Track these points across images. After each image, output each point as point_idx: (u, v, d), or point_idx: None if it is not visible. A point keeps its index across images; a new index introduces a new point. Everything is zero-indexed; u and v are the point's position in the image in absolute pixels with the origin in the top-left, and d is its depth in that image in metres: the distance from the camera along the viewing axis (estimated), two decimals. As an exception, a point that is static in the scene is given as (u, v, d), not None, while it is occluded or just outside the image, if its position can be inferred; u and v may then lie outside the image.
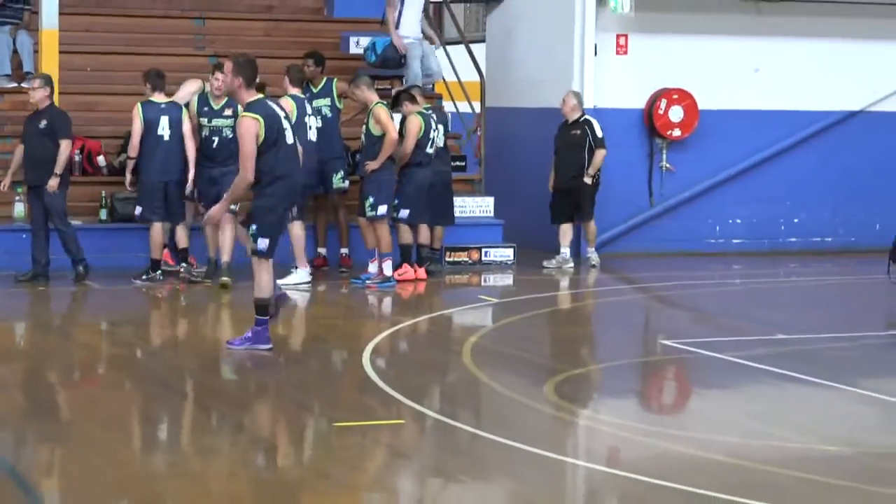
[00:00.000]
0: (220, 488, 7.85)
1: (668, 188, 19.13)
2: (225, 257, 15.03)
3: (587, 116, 17.47)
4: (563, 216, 17.47)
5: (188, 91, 15.70)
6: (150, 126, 15.29)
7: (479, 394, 10.62)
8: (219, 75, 15.10)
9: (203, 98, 15.46)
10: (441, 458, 8.62)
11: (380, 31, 19.38)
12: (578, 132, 17.28)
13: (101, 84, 17.89)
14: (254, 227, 11.47)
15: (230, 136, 14.82)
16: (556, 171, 17.49)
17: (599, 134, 17.24)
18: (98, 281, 15.31)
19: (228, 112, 15.20)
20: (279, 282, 14.91)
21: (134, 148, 15.41)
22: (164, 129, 15.30)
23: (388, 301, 14.97)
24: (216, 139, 15.34)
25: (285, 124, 11.41)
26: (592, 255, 17.61)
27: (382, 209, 15.50)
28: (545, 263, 17.31)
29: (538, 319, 13.96)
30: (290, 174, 11.45)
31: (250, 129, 11.21)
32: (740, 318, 14.57)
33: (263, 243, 11.43)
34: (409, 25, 18.08)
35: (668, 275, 17.10)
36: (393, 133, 15.51)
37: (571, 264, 17.35)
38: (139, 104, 15.38)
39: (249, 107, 11.32)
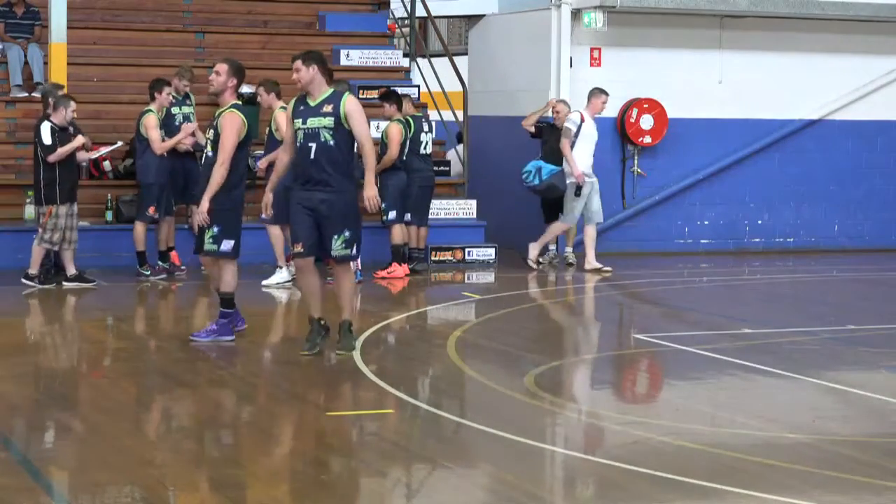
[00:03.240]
0: (219, 475, 7.79)
1: (639, 192, 19.13)
2: (346, 314, 11.20)
3: None
4: (554, 216, 17.53)
5: (151, 124, 15.70)
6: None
7: (463, 384, 10.58)
8: (187, 82, 15.96)
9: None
10: (427, 445, 8.57)
11: (365, 44, 19.39)
12: None
13: (107, 94, 17.84)
14: (216, 228, 11.35)
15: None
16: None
17: None
18: (104, 278, 15.24)
19: None
20: (263, 282, 14.94)
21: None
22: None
23: (377, 297, 14.92)
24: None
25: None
26: (570, 254, 17.62)
27: None
28: (540, 259, 17.47)
29: (519, 314, 13.91)
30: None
31: (235, 122, 11.23)
32: (708, 314, 14.55)
33: (228, 245, 11.37)
34: (583, 159, 16.92)
35: (640, 273, 17.09)
36: None
37: (558, 259, 17.65)
38: None
39: (235, 107, 11.37)
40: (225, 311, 11.55)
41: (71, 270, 14.74)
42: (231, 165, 11.27)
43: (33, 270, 14.68)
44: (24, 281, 14.66)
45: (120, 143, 15.74)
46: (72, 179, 14.79)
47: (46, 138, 14.54)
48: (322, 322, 11.08)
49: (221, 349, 11.40)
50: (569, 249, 17.66)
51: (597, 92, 17.18)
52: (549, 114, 17.69)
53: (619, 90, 18.79)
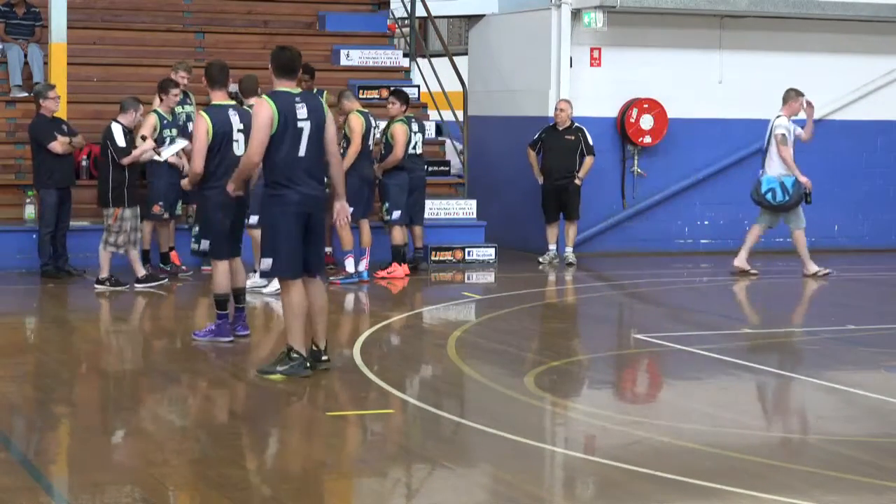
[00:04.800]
0: (219, 474, 7.78)
1: (639, 192, 19.12)
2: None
3: (577, 124, 17.55)
4: (555, 216, 17.50)
5: (149, 124, 15.56)
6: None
7: (463, 385, 10.58)
8: (183, 73, 15.96)
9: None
10: (427, 445, 8.57)
11: (365, 44, 19.41)
12: (573, 138, 17.41)
13: (107, 94, 17.83)
14: (196, 228, 11.53)
15: None
16: (546, 172, 17.49)
17: (590, 141, 17.37)
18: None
19: None
20: (249, 282, 14.88)
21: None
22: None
23: (377, 297, 14.92)
24: None
25: (236, 136, 11.44)
26: (570, 254, 17.62)
27: None
28: (540, 259, 17.53)
29: (519, 315, 13.91)
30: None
31: (200, 125, 11.36)
32: (708, 314, 14.55)
33: (206, 244, 11.46)
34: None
35: (640, 273, 17.08)
36: (357, 143, 15.47)
37: (558, 259, 17.61)
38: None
39: (207, 108, 11.56)
40: (219, 313, 11.59)
41: (140, 272, 14.70)
42: (206, 165, 11.33)
43: (104, 275, 14.60)
44: (97, 287, 14.58)
45: (185, 142, 14.52)
46: (135, 182, 14.84)
47: (120, 140, 14.54)
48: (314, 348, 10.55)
49: (222, 349, 11.40)
50: (569, 249, 17.65)
51: (793, 94, 16.67)
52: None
53: (620, 90, 18.81)
